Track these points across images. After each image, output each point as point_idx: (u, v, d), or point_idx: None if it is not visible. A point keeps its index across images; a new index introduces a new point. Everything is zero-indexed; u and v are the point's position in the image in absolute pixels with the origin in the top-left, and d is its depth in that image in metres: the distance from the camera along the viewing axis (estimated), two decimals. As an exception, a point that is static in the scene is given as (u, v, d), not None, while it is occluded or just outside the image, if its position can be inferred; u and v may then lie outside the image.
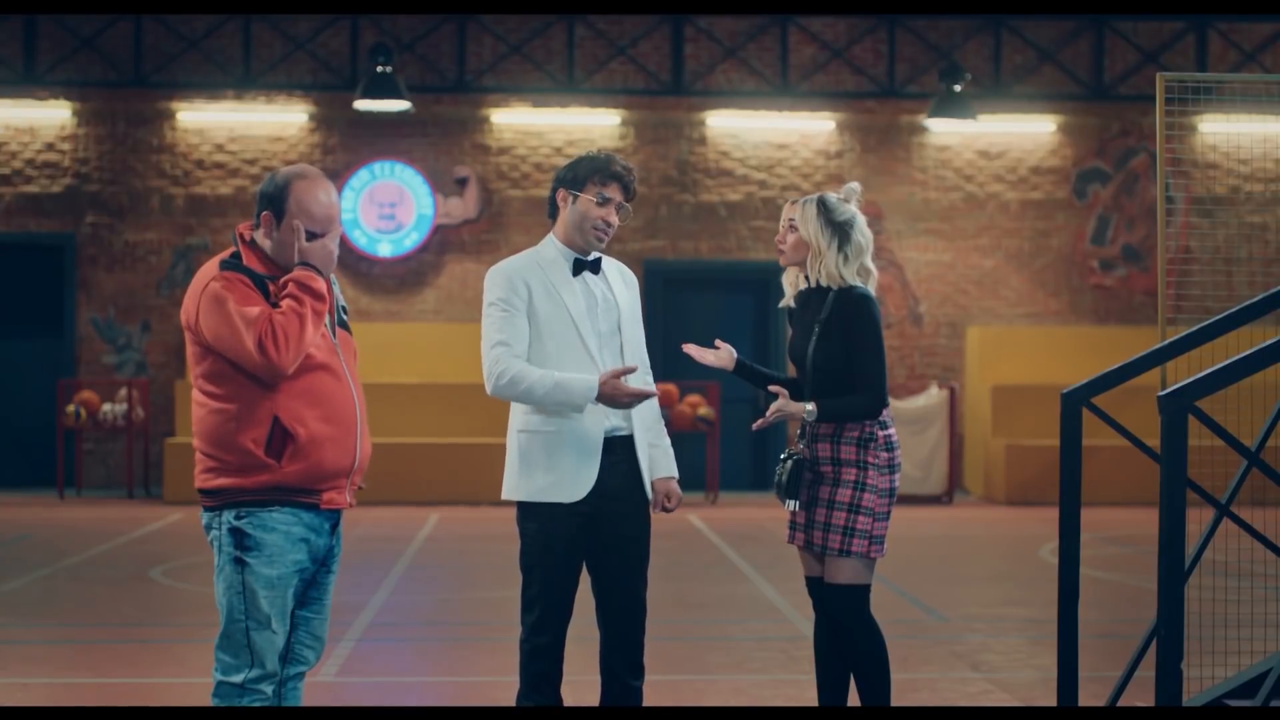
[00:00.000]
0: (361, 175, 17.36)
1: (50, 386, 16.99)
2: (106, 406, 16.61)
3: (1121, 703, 6.13)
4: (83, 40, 17.25)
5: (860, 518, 5.47)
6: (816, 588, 5.65)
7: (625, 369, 5.23)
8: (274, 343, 4.59)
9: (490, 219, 17.55)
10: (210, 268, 4.77)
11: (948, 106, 17.05)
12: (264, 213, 4.73)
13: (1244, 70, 17.51)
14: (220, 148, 17.52)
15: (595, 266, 5.43)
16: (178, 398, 16.87)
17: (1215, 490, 5.71)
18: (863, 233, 5.66)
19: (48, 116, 17.40)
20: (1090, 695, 6.66)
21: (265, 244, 4.75)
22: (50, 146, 17.41)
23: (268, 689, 4.74)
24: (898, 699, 7.42)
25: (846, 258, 5.59)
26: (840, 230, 5.62)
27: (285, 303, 4.65)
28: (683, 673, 7.99)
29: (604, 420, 5.27)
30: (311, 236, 4.72)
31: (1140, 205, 17.99)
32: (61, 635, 9.21)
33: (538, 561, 5.30)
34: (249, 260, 4.74)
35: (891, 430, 5.56)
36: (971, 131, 17.83)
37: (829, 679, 5.66)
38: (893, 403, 16.83)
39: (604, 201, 5.38)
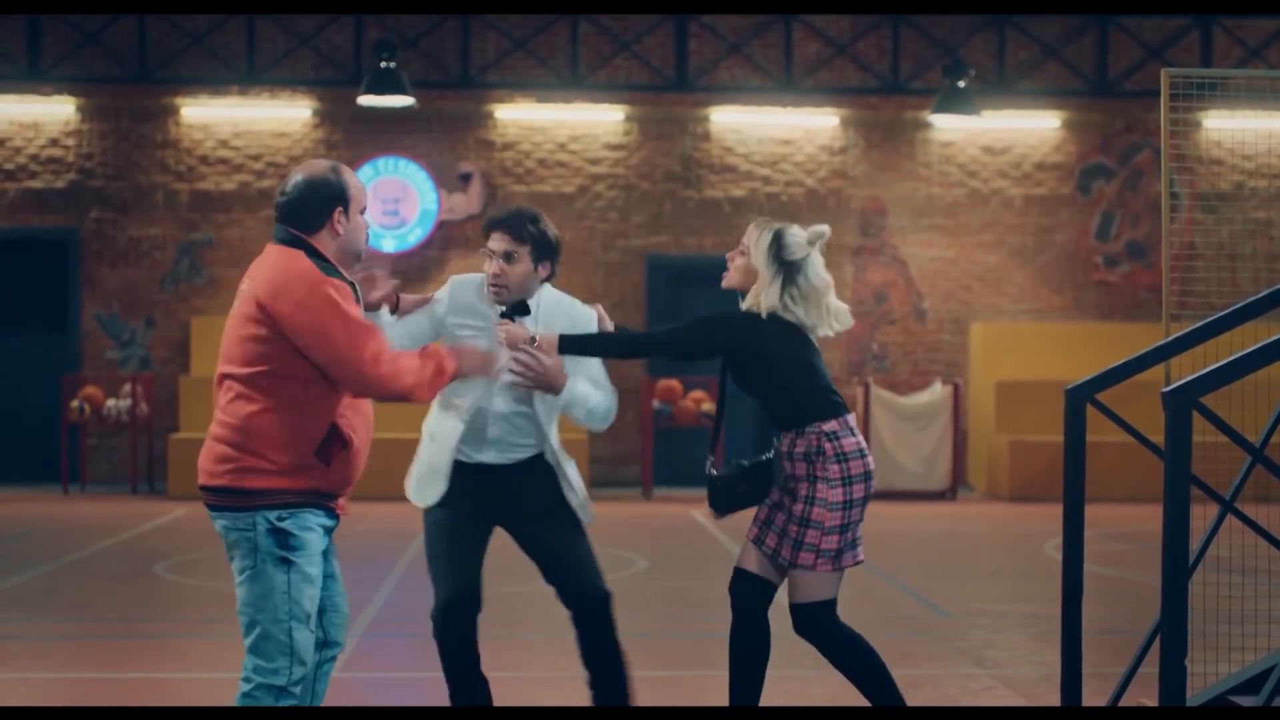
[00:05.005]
0: (365, 171, 17.37)
1: (54, 382, 17.00)
2: (111, 402, 16.62)
3: (1125, 699, 6.13)
4: (87, 36, 17.26)
5: (809, 532, 5.46)
6: (742, 581, 5.63)
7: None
8: (389, 366, 4.73)
9: (494, 215, 17.53)
10: (302, 269, 4.72)
11: (952, 102, 17.04)
12: (336, 209, 4.80)
13: (1249, 66, 17.49)
14: (224, 143, 17.53)
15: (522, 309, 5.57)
16: (181, 393, 16.89)
17: (1219, 486, 5.71)
18: (811, 276, 5.52)
19: (52, 112, 17.40)
20: (1094, 691, 6.66)
21: (337, 239, 4.82)
22: (55, 142, 17.42)
23: (301, 690, 4.81)
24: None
25: (793, 298, 5.49)
26: (787, 269, 5.50)
27: (430, 362, 4.86)
28: (685, 669, 8.00)
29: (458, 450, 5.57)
30: (364, 210, 4.89)
31: (1144, 201, 17.98)
32: (65, 630, 9.22)
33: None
34: (328, 259, 4.82)
35: (844, 441, 5.50)
36: (975, 127, 17.82)
37: (737, 678, 5.62)
38: (897, 398, 16.86)
39: (489, 255, 5.54)
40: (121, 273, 17.46)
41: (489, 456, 5.58)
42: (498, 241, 5.50)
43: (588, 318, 5.63)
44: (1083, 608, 6.01)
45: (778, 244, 5.51)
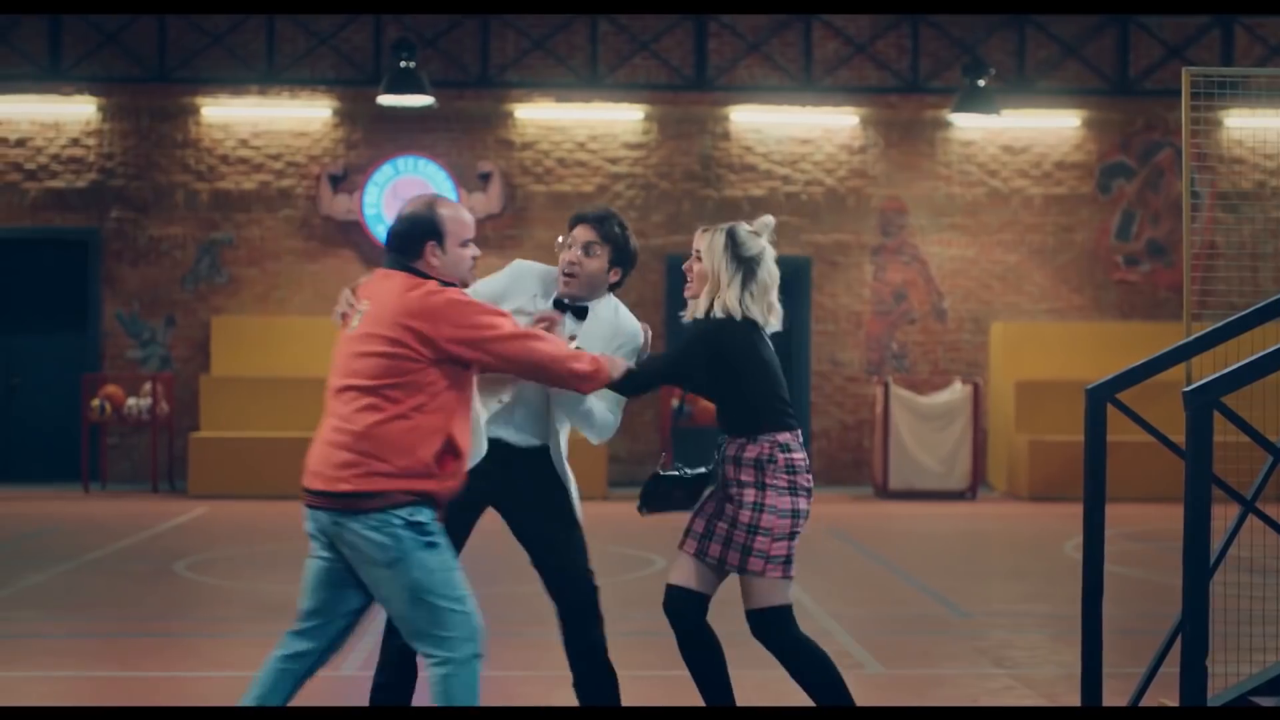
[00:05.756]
0: (385, 170, 17.39)
1: (75, 381, 17.06)
2: (131, 401, 16.67)
3: (1146, 699, 6.11)
4: (107, 36, 17.31)
5: (759, 538, 5.46)
6: (674, 598, 5.61)
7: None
8: (539, 346, 5.04)
9: (514, 214, 17.56)
10: (429, 288, 5.01)
11: (971, 101, 17.01)
12: (429, 243, 5.06)
13: (1270, 65, 17.44)
14: (244, 143, 17.56)
15: (580, 313, 5.62)
16: (202, 392, 16.93)
17: (1240, 486, 5.69)
18: (769, 270, 5.53)
19: (73, 112, 17.45)
20: (1114, 691, 6.65)
21: (434, 270, 5.06)
22: (75, 142, 17.47)
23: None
24: (921, 693, 7.42)
25: (752, 295, 5.50)
26: (746, 265, 5.50)
27: (579, 355, 5.15)
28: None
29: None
30: (468, 244, 5.11)
31: (1165, 200, 17.93)
32: (86, 629, 9.24)
33: None
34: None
35: (795, 455, 5.51)
36: (995, 126, 17.79)
37: (704, 680, 5.63)
38: (917, 398, 16.83)
39: (570, 244, 5.63)
40: (142, 272, 17.51)
41: (508, 435, 5.61)
42: (583, 232, 5.59)
43: (632, 334, 5.66)
44: (1103, 608, 6.00)
45: (733, 242, 5.52)
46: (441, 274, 5.07)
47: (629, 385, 5.44)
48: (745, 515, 5.47)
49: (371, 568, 4.95)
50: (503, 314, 5.08)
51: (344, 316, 5.10)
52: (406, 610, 4.96)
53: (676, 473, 5.63)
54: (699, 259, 5.57)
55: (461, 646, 4.95)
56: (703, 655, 5.59)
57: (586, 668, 5.64)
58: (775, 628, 5.51)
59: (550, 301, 5.60)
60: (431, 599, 4.93)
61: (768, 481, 5.47)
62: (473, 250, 5.15)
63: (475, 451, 5.45)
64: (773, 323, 5.57)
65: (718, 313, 5.51)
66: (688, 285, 5.65)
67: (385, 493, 4.91)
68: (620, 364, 5.33)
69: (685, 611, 5.60)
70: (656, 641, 8.00)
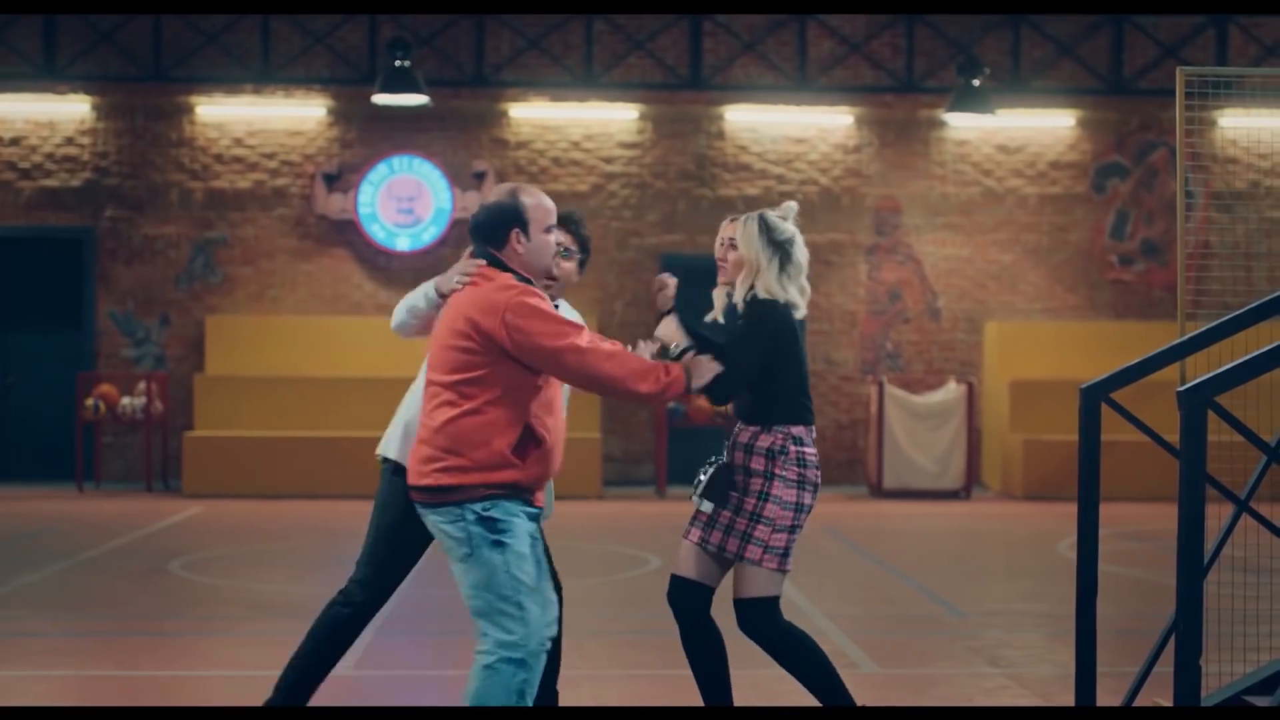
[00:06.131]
0: (380, 169, 17.38)
1: (69, 380, 17.04)
2: (125, 400, 16.66)
3: (1140, 698, 6.12)
4: (102, 35, 17.29)
5: (759, 527, 5.48)
6: (679, 588, 5.60)
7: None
8: (599, 356, 5.03)
9: (508, 213, 17.55)
10: (501, 284, 5.09)
11: (966, 101, 17.02)
12: (513, 230, 5.17)
13: (1264, 65, 17.45)
14: (239, 142, 17.56)
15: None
16: (196, 391, 16.92)
17: (1234, 486, 5.70)
18: (802, 252, 5.63)
19: (67, 111, 17.44)
20: (1108, 691, 6.65)
21: (519, 257, 5.18)
22: (70, 140, 17.46)
23: (542, 662, 5.07)
24: (916, 693, 7.43)
25: (789, 276, 5.57)
26: (781, 249, 5.59)
27: (643, 362, 5.10)
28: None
29: None
30: (551, 229, 5.21)
31: (1159, 200, 17.95)
32: (80, 628, 9.24)
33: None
34: (523, 276, 5.19)
35: (807, 449, 5.54)
36: (990, 126, 17.80)
37: (704, 676, 5.62)
38: (911, 397, 16.84)
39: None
40: (136, 271, 17.50)
41: None
42: (561, 236, 5.60)
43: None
44: (1097, 607, 6.00)
45: (767, 227, 5.61)
46: (526, 261, 5.18)
47: (720, 392, 5.46)
48: (750, 503, 5.49)
49: (452, 559, 5.12)
50: (569, 324, 5.07)
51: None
52: (471, 603, 5.09)
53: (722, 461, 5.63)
54: (733, 247, 5.63)
55: (511, 648, 5.03)
56: (704, 651, 5.59)
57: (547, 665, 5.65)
58: (763, 619, 5.50)
59: None
60: (490, 597, 5.05)
61: (777, 472, 5.49)
62: (557, 236, 5.28)
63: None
64: (803, 306, 5.62)
65: (761, 294, 5.55)
66: (721, 273, 5.68)
67: (461, 486, 5.05)
68: (707, 369, 5.24)
69: (689, 604, 5.59)
70: (654, 640, 8.01)
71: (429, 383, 5.16)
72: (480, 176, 17.51)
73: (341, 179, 17.47)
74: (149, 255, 17.51)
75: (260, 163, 17.55)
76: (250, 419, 16.60)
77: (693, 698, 5.78)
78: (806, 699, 7.10)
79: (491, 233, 5.21)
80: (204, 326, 17.40)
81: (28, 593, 10.27)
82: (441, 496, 5.07)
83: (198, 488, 16.10)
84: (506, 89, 17.61)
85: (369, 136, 17.56)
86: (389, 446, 5.80)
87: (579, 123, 17.71)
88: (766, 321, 5.52)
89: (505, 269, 5.16)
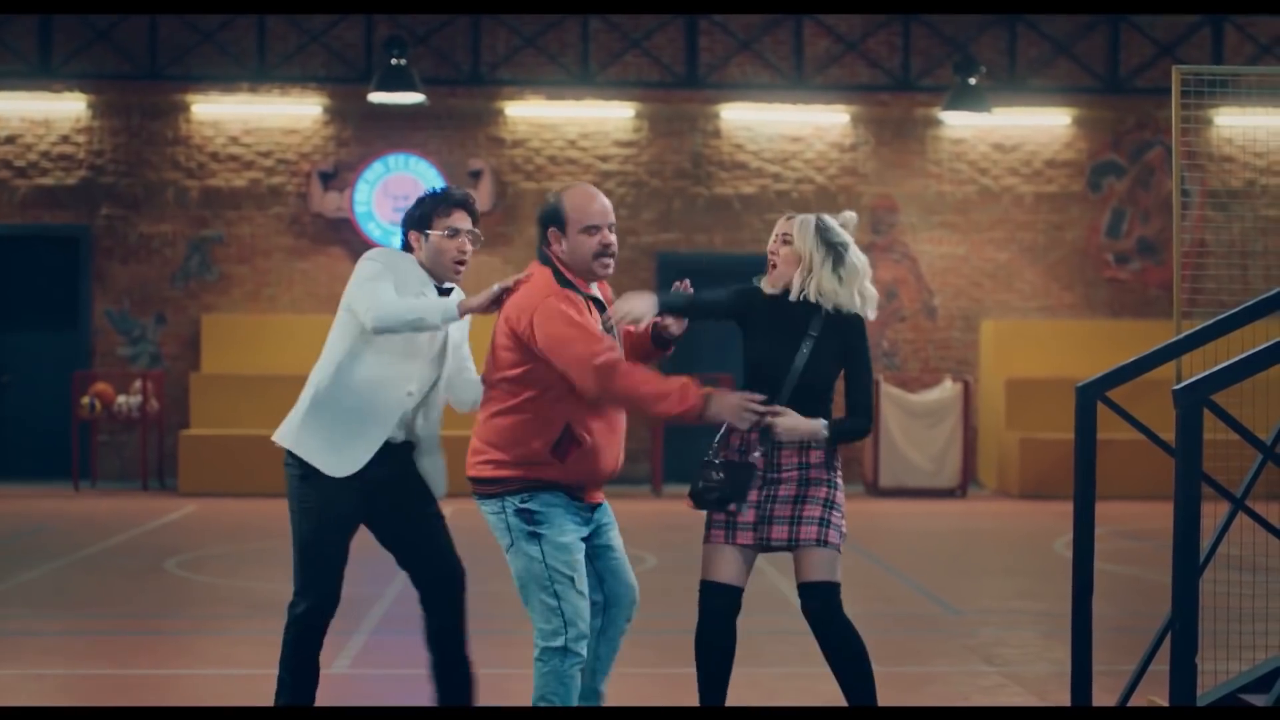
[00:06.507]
0: (375, 168, 17.37)
1: (65, 378, 17.03)
2: (121, 398, 16.65)
3: (1136, 697, 6.12)
4: (98, 33, 17.28)
5: (834, 513, 5.56)
6: (713, 594, 5.59)
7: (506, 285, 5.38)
8: (614, 374, 5.12)
9: (504, 212, 17.56)
10: (538, 286, 5.25)
11: (962, 99, 17.02)
12: (550, 229, 5.33)
13: (1260, 63, 17.46)
14: (235, 140, 17.54)
15: (447, 293, 5.61)
16: (192, 390, 16.91)
17: (1230, 484, 5.70)
18: (858, 256, 5.65)
19: (63, 109, 17.42)
20: (1104, 689, 6.66)
21: (561, 256, 5.33)
22: (65, 139, 17.44)
23: (584, 649, 5.22)
24: (911, 692, 7.43)
25: (841, 279, 5.59)
26: (834, 250, 5.62)
27: (662, 384, 5.13)
28: (692, 666, 7.98)
29: (398, 406, 5.50)
30: (593, 230, 5.31)
31: (1155, 199, 17.96)
32: (76, 626, 9.24)
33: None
34: (562, 276, 5.31)
35: None
36: (986, 124, 17.80)
37: (710, 676, 5.62)
38: (907, 395, 16.85)
39: (454, 234, 5.53)
40: (132, 269, 17.49)
41: (402, 435, 5.60)
42: (464, 219, 5.58)
43: None
44: (1093, 605, 6.01)
45: (823, 227, 5.65)
46: (567, 260, 5.32)
47: (862, 429, 5.63)
48: (822, 492, 5.56)
49: (502, 548, 5.32)
50: (593, 334, 5.14)
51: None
52: (519, 593, 5.27)
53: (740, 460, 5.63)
54: (786, 243, 5.65)
55: (550, 638, 5.21)
56: (718, 654, 5.62)
57: (449, 658, 5.66)
58: (833, 602, 5.53)
59: (415, 291, 5.50)
60: (528, 588, 5.23)
61: (836, 462, 5.63)
62: (601, 237, 5.32)
63: (364, 433, 5.45)
64: (869, 311, 5.67)
65: (811, 294, 5.58)
66: (771, 269, 5.69)
67: (501, 479, 5.24)
68: (691, 394, 5.23)
69: (724, 608, 5.60)
70: (652, 639, 8.01)
71: (482, 378, 5.37)
72: (476, 175, 17.50)
73: (337, 177, 17.46)
74: (145, 254, 17.50)
75: (256, 161, 17.54)
76: (246, 417, 16.58)
77: (691, 697, 5.77)
78: (803, 699, 7.11)
79: (540, 231, 5.38)
80: (200, 325, 17.39)
81: (23, 591, 10.26)
82: (485, 488, 5.27)
83: (193, 486, 16.09)
84: (503, 87, 17.61)
85: (365, 135, 17.55)
86: (282, 432, 5.72)
87: (575, 121, 17.70)
88: (867, 342, 5.67)
89: (551, 266, 5.32)
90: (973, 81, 16.95)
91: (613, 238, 5.41)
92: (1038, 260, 17.98)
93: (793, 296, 5.61)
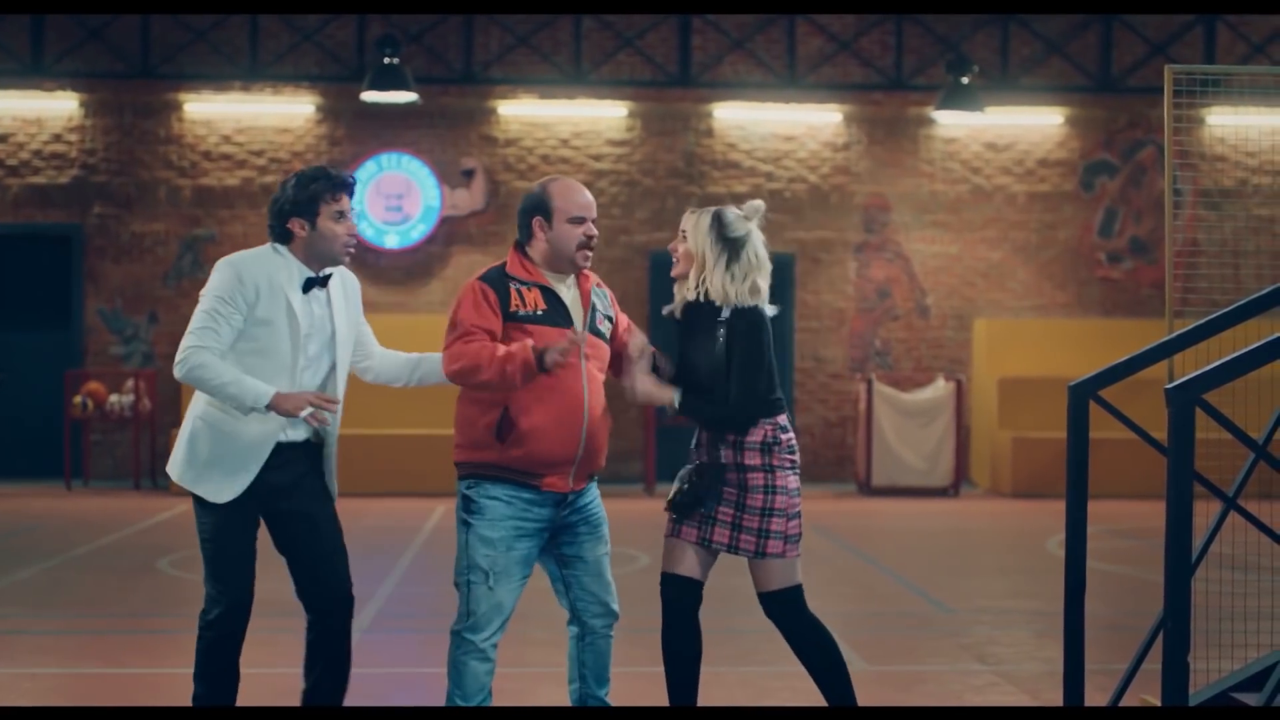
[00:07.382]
0: (368, 167, 17.37)
1: (57, 377, 17.01)
2: (114, 397, 16.63)
3: (1128, 696, 6.13)
4: (90, 31, 17.26)
5: (774, 519, 5.48)
6: (672, 585, 5.57)
7: (328, 398, 5.33)
8: (456, 358, 5.27)
9: (497, 210, 17.55)
10: (484, 270, 5.47)
11: (955, 99, 17.03)
12: (535, 218, 5.39)
13: (1252, 63, 17.48)
14: (227, 139, 17.53)
15: (324, 281, 5.53)
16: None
17: (1222, 483, 5.70)
18: (756, 252, 5.57)
19: (55, 108, 17.41)
20: (1096, 688, 6.66)
21: (542, 245, 5.40)
22: (57, 138, 17.42)
23: (480, 643, 5.30)
24: (904, 691, 7.44)
25: (733, 276, 5.52)
26: (731, 246, 5.55)
27: (500, 353, 5.22)
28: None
29: (277, 430, 5.38)
30: (579, 221, 5.38)
31: (1147, 198, 17.97)
32: (69, 625, 9.23)
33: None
34: (512, 266, 5.41)
35: (789, 435, 5.56)
36: (979, 124, 17.81)
37: (678, 679, 5.59)
38: (900, 394, 16.85)
39: (342, 216, 5.50)
40: (124, 268, 17.47)
41: (302, 433, 5.50)
42: (347, 202, 5.55)
43: (354, 286, 5.77)
44: (1085, 604, 6.01)
45: (718, 223, 5.58)
46: (551, 249, 5.39)
47: (751, 417, 5.51)
48: (758, 499, 5.48)
49: None
50: (468, 320, 5.27)
51: None
52: None
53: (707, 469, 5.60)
54: (684, 239, 5.61)
55: (455, 621, 5.38)
56: (685, 649, 5.57)
57: (330, 673, 5.59)
58: (794, 607, 5.53)
59: (281, 287, 5.42)
60: (456, 570, 5.40)
61: (774, 463, 5.50)
62: (586, 229, 5.40)
63: (248, 450, 5.40)
64: (762, 304, 5.57)
65: (708, 293, 5.52)
66: (675, 265, 5.67)
67: (458, 462, 5.44)
68: (659, 394, 5.57)
69: (684, 601, 5.58)
70: (644, 638, 8.00)
71: None
72: (469, 174, 17.50)
73: (330, 176, 17.42)
74: (137, 252, 17.48)
75: (249, 160, 17.53)
76: (239, 416, 16.56)
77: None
78: (797, 698, 7.11)
79: (521, 222, 5.45)
80: (192, 324, 17.36)
81: (15, 590, 10.25)
82: (457, 472, 5.46)
83: (186, 485, 16.08)
84: (495, 86, 17.60)
85: (357, 134, 17.54)
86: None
87: (568, 120, 17.70)
88: (760, 328, 5.50)
89: (524, 255, 5.41)
90: (965, 81, 16.97)
91: (595, 230, 5.49)
92: (1030, 259, 18.00)
93: (689, 296, 5.57)
